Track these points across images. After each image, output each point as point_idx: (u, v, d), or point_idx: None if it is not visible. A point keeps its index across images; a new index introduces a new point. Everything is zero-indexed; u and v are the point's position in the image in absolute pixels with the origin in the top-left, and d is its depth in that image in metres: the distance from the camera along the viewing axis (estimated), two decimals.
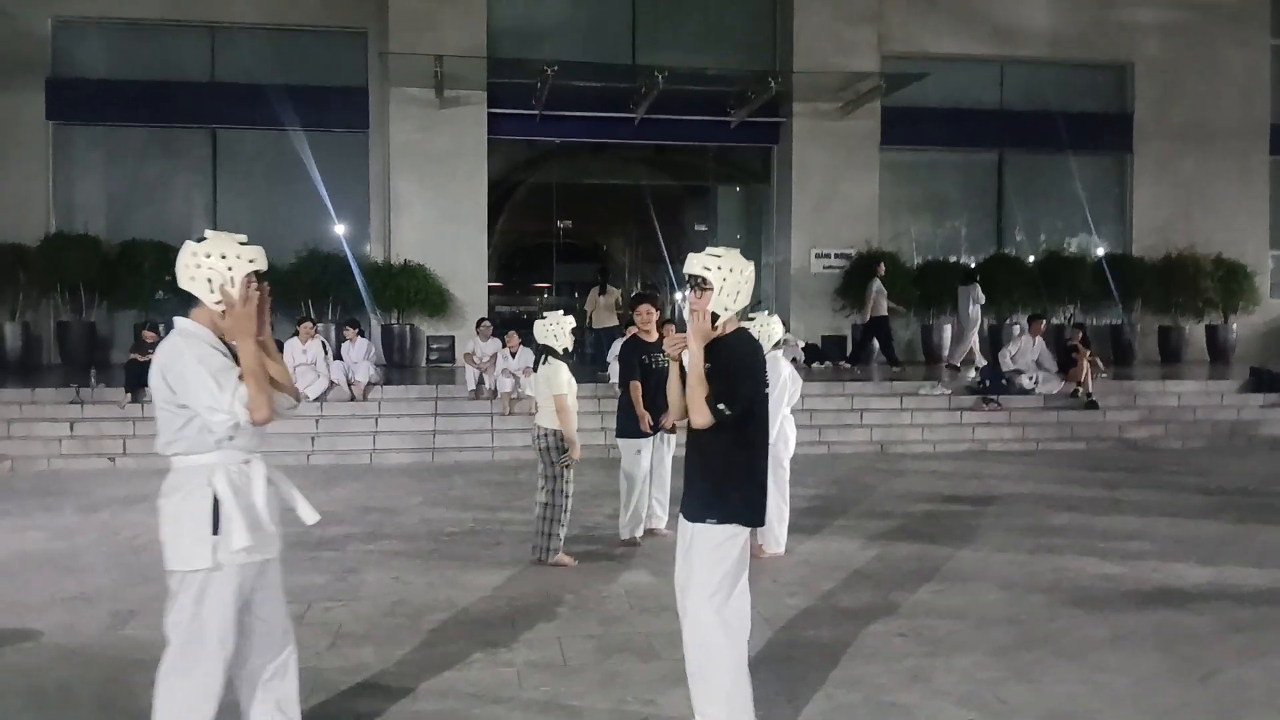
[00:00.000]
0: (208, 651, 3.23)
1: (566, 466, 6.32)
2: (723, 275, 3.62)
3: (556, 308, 6.67)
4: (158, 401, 3.25)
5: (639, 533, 7.05)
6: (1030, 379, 12.85)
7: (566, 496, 6.34)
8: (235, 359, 3.29)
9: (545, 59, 14.47)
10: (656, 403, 6.76)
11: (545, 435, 6.39)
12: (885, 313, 14.89)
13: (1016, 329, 15.30)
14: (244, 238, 3.39)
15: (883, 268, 15.17)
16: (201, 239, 3.35)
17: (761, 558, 6.45)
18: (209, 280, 3.29)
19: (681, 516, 3.73)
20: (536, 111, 15.81)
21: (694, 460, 3.71)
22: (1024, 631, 5.05)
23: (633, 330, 7.87)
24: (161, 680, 3.28)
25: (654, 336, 7.18)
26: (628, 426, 7.04)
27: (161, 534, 3.31)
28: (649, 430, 6.93)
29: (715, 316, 3.64)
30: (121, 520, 7.86)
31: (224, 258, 3.30)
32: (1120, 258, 17.54)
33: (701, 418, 3.55)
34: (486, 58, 15.56)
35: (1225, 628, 5.10)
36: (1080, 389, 12.77)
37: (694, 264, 3.65)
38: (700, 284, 3.63)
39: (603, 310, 14.84)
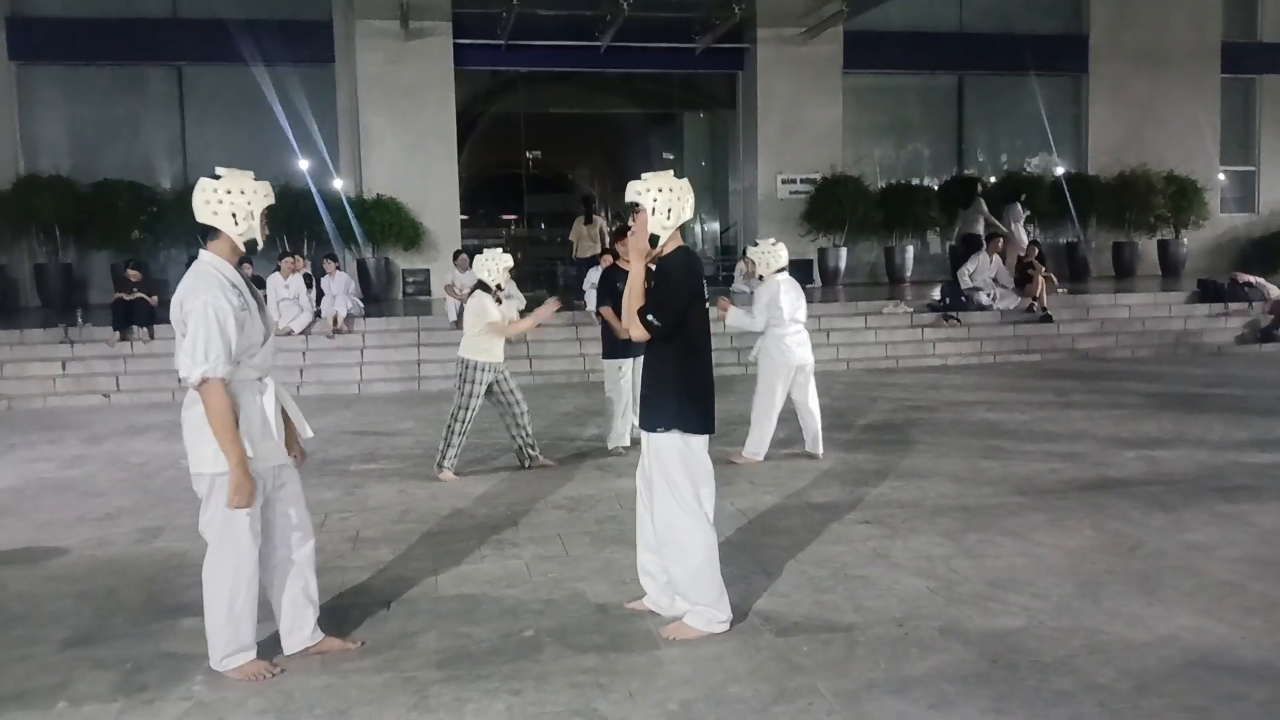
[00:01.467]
0: (241, 543, 3.66)
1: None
2: (652, 197, 3.93)
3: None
4: (176, 328, 3.62)
5: (625, 443, 7.61)
6: (988, 295, 13.43)
7: (461, 423, 6.82)
8: (251, 291, 3.67)
9: None
10: None
11: (460, 363, 6.88)
12: (980, 231, 15.28)
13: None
14: (253, 174, 3.72)
15: (982, 186, 15.83)
16: (217, 176, 3.68)
17: (737, 463, 7.01)
18: (234, 215, 3.63)
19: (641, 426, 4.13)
20: (502, 41, 15.93)
21: (645, 373, 4.10)
22: (972, 517, 5.62)
23: (608, 259, 8.34)
24: (206, 573, 3.73)
25: None
26: (609, 348, 7.61)
27: (185, 442, 3.70)
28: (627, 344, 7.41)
29: (656, 237, 3.96)
30: (128, 449, 8.25)
31: (243, 193, 3.64)
32: (1076, 176, 18.05)
33: (636, 329, 3.93)
34: None
35: (1152, 507, 5.70)
36: (1036, 304, 13.37)
37: (629, 192, 4.00)
38: (635, 209, 3.97)
39: (587, 240, 15.10)
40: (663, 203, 3.93)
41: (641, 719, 3.36)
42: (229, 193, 3.63)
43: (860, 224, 16.63)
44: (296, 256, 12.49)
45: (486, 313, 6.81)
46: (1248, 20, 19.58)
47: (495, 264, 6.92)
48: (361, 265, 15.48)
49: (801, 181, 17.05)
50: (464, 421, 6.84)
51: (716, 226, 20.25)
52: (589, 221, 15.31)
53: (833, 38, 16.90)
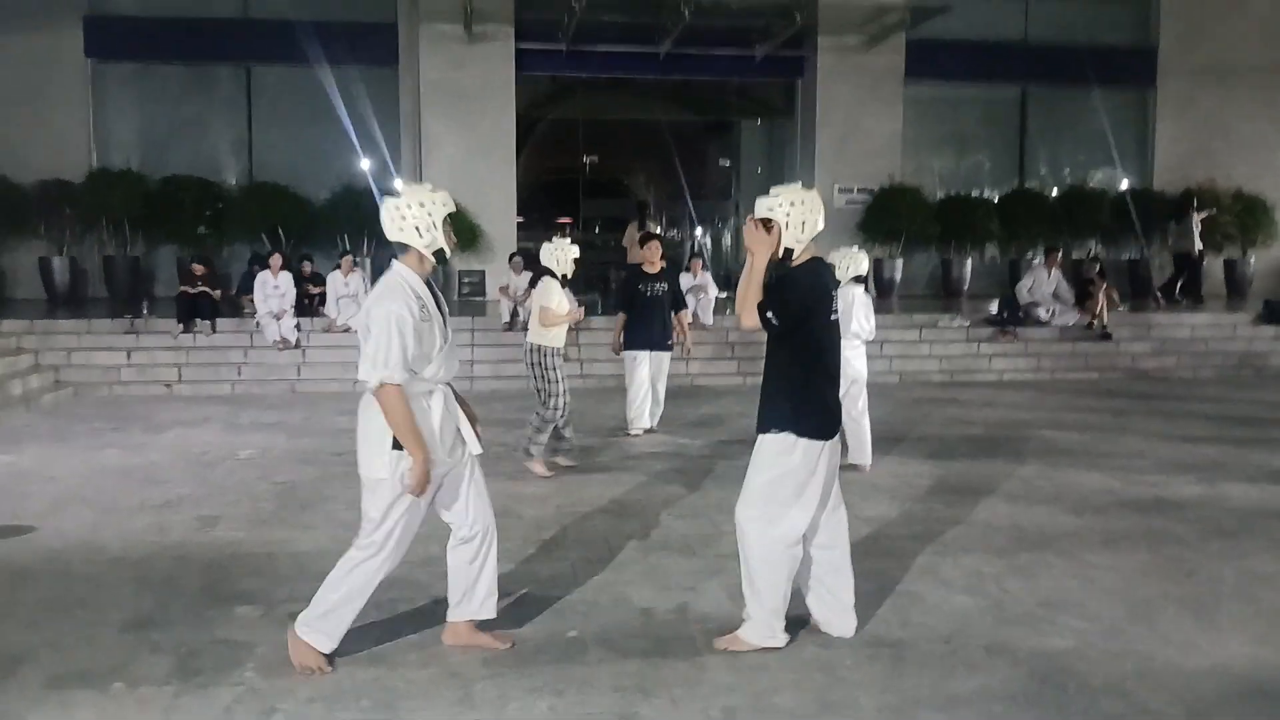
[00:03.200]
0: (391, 539, 3.78)
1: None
2: (785, 211, 3.93)
3: (578, 244, 7.40)
4: (360, 332, 3.76)
5: (645, 423, 8.52)
6: (1046, 311, 13.22)
7: (555, 410, 6.97)
8: (437, 303, 3.81)
9: None
10: (653, 324, 8.53)
11: (531, 350, 7.05)
12: (1197, 248, 15.38)
13: (1035, 262, 15.61)
14: (430, 186, 3.87)
15: (1197, 201, 15.93)
16: (396, 194, 3.82)
17: None
18: (417, 229, 3.76)
19: None
20: (563, 46, 16.04)
21: (764, 378, 4.04)
22: (1025, 535, 5.55)
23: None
24: (355, 549, 3.83)
25: (656, 268, 8.55)
26: (629, 340, 8.56)
27: (358, 443, 3.84)
28: (617, 350, 8.68)
29: (790, 251, 3.95)
30: (190, 439, 8.45)
31: (423, 205, 3.77)
32: (1141, 192, 17.70)
33: (749, 318, 3.92)
34: None
35: (1210, 534, 5.59)
36: (1095, 321, 13.13)
37: (759, 208, 3.99)
38: (767, 225, 3.95)
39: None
40: (795, 216, 3.94)
41: None
42: (410, 208, 3.77)
43: (917, 236, 16.45)
44: (350, 256, 12.68)
45: (549, 296, 6.99)
46: None
47: (563, 253, 7.14)
48: None
49: (859, 192, 16.93)
50: (554, 408, 6.98)
51: None
52: (642, 227, 15.33)
53: (894, 47, 16.76)
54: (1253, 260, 17.62)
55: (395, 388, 3.62)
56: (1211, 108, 17.96)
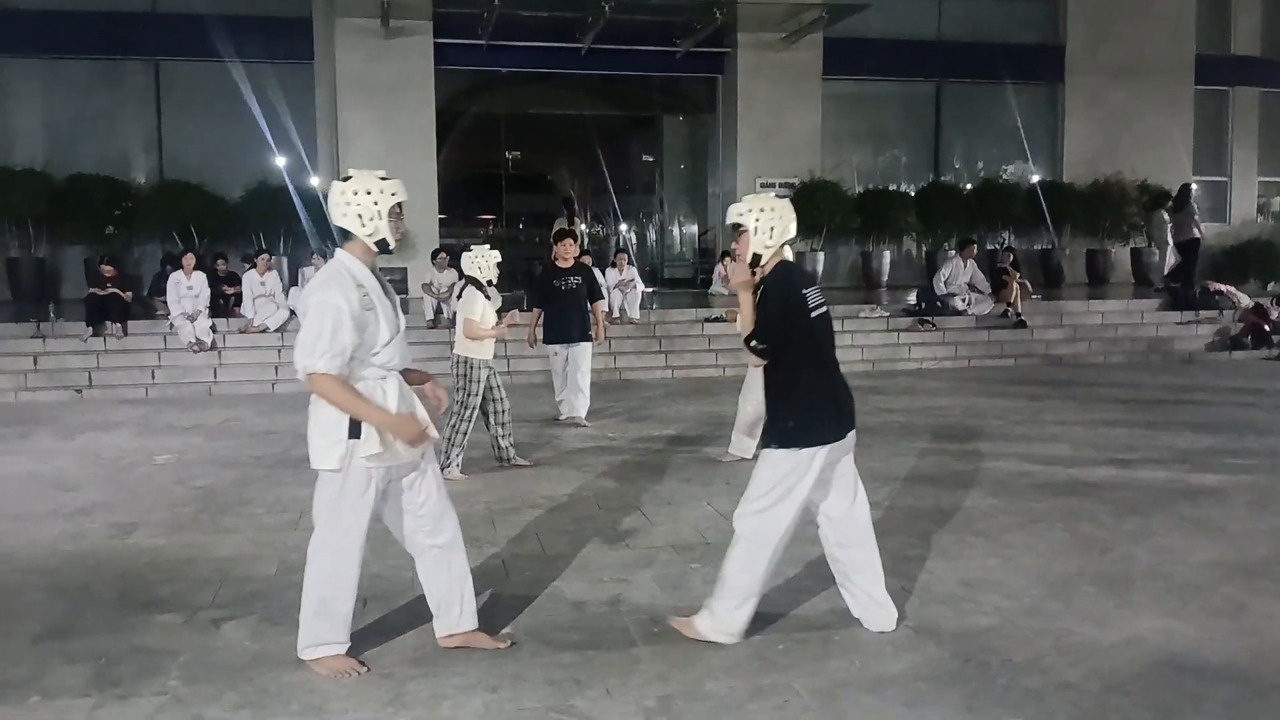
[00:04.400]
0: (345, 536, 3.69)
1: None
2: (754, 217, 3.95)
3: (501, 239, 7.42)
4: (300, 319, 3.65)
5: (564, 413, 8.88)
6: (963, 300, 13.54)
7: (467, 421, 6.87)
8: (385, 291, 3.71)
9: None
10: (567, 319, 8.75)
11: (458, 362, 6.97)
12: (1198, 234, 15.41)
13: (952, 253, 15.98)
14: (383, 173, 3.74)
15: (1196, 190, 16.28)
16: (348, 178, 3.70)
17: (723, 461, 7.13)
18: (360, 216, 3.65)
19: None
20: (483, 41, 15.91)
21: (764, 393, 4.07)
22: (946, 518, 5.69)
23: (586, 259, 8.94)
24: (310, 556, 3.74)
25: (569, 264, 8.81)
26: (546, 335, 8.89)
27: (308, 434, 3.70)
28: (533, 343, 9.02)
29: (758, 257, 3.97)
30: (101, 444, 8.19)
31: (369, 193, 3.65)
32: (1051, 185, 18.22)
33: (748, 355, 4.06)
34: None
35: (1123, 513, 5.78)
36: (1010, 309, 13.50)
37: (730, 215, 4.04)
38: (738, 229, 3.99)
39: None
40: (764, 222, 3.95)
41: (619, 716, 3.38)
42: (355, 194, 3.66)
43: (838, 229, 16.71)
44: (267, 255, 12.41)
45: (470, 307, 6.88)
46: (1221, 34, 19.86)
47: (485, 260, 7.04)
48: None
49: (780, 186, 17.10)
50: (468, 420, 6.88)
51: (695, 229, 20.30)
52: (570, 223, 15.32)
53: (812, 44, 16.98)
54: (1158, 250, 18.26)
55: (325, 376, 3.53)
56: (1118, 104, 18.57)
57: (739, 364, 8.11)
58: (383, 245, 3.71)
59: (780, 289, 3.97)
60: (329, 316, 3.52)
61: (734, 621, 3.96)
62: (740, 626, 3.97)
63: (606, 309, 11.49)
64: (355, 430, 3.58)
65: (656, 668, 3.74)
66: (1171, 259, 15.66)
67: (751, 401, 7.14)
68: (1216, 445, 7.68)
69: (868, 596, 4.12)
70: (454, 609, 3.93)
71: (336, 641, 3.75)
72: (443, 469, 6.74)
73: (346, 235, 3.72)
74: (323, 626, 3.73)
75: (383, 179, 3.69)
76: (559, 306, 8.79)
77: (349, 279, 3.62)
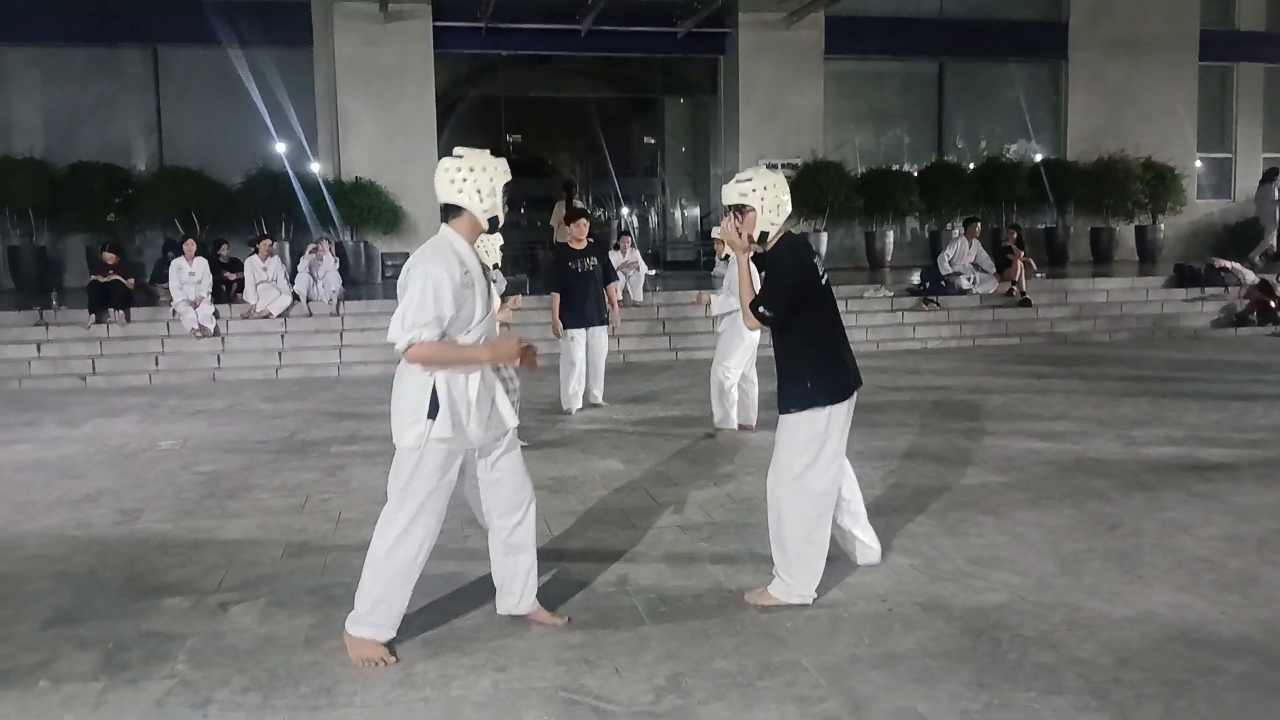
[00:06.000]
0: (417, 514, 3.66)
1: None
2: (760, 196, 4.03)
3: (502, 224, 7.22)
4: (399, 292, 3.62)
5: (577, 405, 8.50)
6: (968, 280, 13.49)
7: None
8: (484, 271, 3.71)
9: None
10: (586, 301, 8.42)
11: None
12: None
13: (956, 233, 15.92)
14: (488, 150, 3.72)
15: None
16: (459, 155, 3.67)
17: (714, 435, 7.36)
18: (479, 192, 3.64)
19: None
20: (483, 24, 15.82)
21: (776, 360, 4.17)
22: (953, 496, 5.67)
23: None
24: (379, 529, 3.72)
25: (583, 245, 8.45)
26: (564, 320, 8.42)
27: (392, 413, 3.70)
28: (559, 334, 8.45)
29: (765, 235, 4.06)
30: (106, 431, 8.18)
31: (485, 170, 3.66)
32: (1055, 163, 18.14)
33: (749, 320, 4.11)
34: None
35: (1131, 489, 5.76)
36: (1015, 288, 13.44)
37: (731, 195, 4.08)
38: (741, 210, 4.05)
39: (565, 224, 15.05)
40: (769, 200, 4.04)
41: (629, 694, 3.37)
42: (472, 170, 3.65)
43: (841, 209, 16.65)
44: (268, 240, 12.37)
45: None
46: (1225, 8, 19.73)
47: (489, 244, 6.93)
48: (340, 249, 15.34)
49: (782, 167, 17.03)
50: None
51: (697, 211, 20.24)
52: (570, 204, 15.24)
53: (814, 23, 16.88)
54: (1163, 226, 18.20)
55: (426, 344, 3.51)
56: (1120, 79, 18.46)
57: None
58: (494, 223, 3.73)
59: (792, 260, 4.08)
60: (431, 288, 3.51)
61: (808, 584, 4.09)
62: (814, 586, 4.10)
63: (620, 294, 11.29)
64: (433, 410, 3.58)
65: (666, 646, 3.73)
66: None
67: (720, 370, 7.38)
68: (1224, 420, 7.65)
69: (860, 536, 4.47)
70: (514, 593, 3.96)
71: (386, 626, 3.72)
72: None
73: (450, 212, 3.69)
74: (382, 609, 3.69)
75: (494, 157, 3.70)
76: (577, 290, 8.40)
77: (453, 254, 3.61)
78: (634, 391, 9.62)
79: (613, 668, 3.56)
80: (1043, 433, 7.33)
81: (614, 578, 4.46)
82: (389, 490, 3.72)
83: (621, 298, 12.43)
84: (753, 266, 4.20)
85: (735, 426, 7.51)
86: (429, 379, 3.60)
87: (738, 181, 4.11)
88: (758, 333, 7.22)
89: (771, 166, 17.22)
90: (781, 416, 4.13)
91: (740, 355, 7.42)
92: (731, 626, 3.89)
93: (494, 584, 4.00)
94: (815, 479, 4.08)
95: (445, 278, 3.53)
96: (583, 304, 8.43)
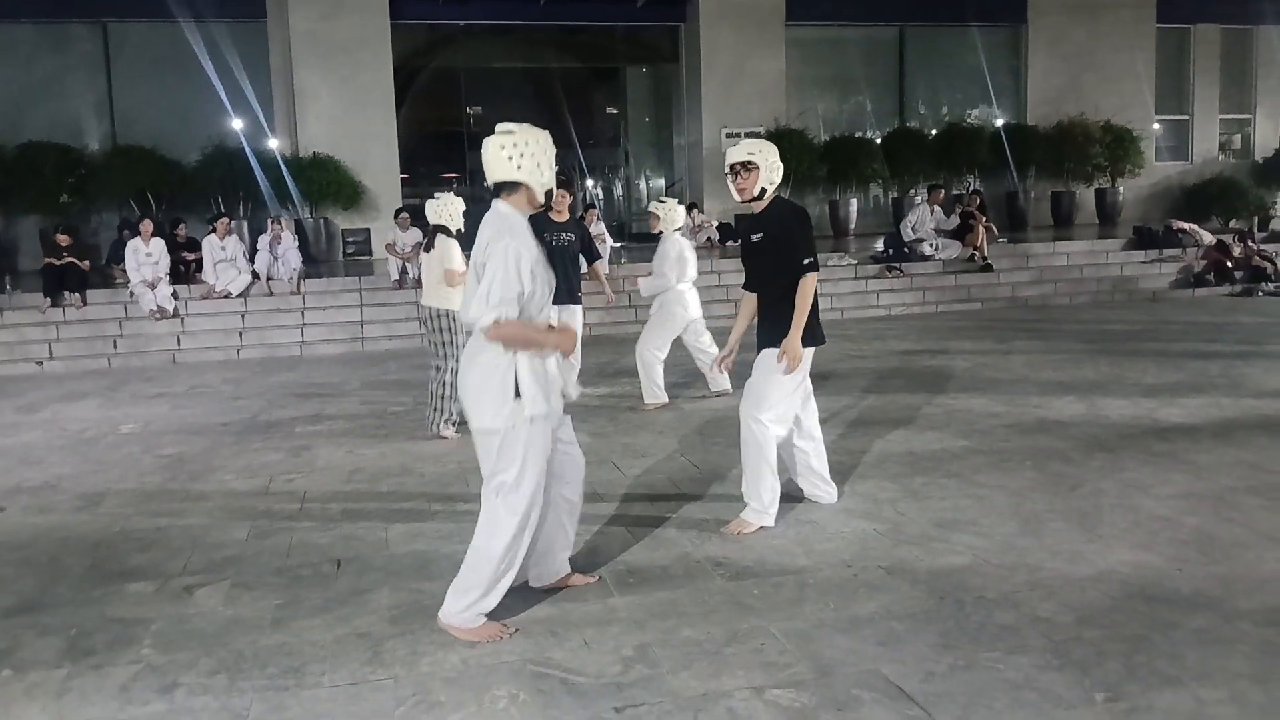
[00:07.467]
0: (535, 491, 3.62)
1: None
2: (764, 157, 4.48)
3: (465, 197, 7.05)
4: (474, 270, 3.55)
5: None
6: (930, 246, 13.56)
7: (454, 374, 6.58)
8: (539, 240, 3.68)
9: None
10: (560, 275, 7.57)
11: (435, 315, 6.72)
12: None
13: (918, 199, 15.99)
14: (529, 124, 3.69)
15: None
16: (509, 131, 3.62)
17: (647, 410, 7.47)
18: (538, 165, 3.61)
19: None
20: None
21: (783, 304, 4.51)
22: (918, 460, 5.72)
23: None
24: (493, 517, 3.62)
25: (564, 217, 7.73)
26: None
27: (469, 399, 3.64)
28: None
29: (764, 191, 4.51)
30: (66, 416, 8.06)
31: (539, 143, 3.63)
32: (1015, 127, 18.24)
33: (807, 289, 4.46)
34: None
35: (1091, 450, 5.84)
36: (976, 253, 13.54)
37: (738, 154, 4.51)
38: (745, 166, 4.48)
39: None
40: (771, 160, 4.49)
41: (597, 666, 3.38)
42: (528, 144, 3.60)
43: (804, 178, 16.67)
44: (226, 219, 12.19)
45: (453, 259, 6.59)
46: None
47: (454, 207, 6.82)
48: (300, 226, 15.17)
49: (745, 135, 16.98)
50: (455, 374, 6.70)
51: (662, 182, 20.17)
52: None
53: None
54: (1122, 189, 18.39)
55: (507, 322, 3.46)
56: (1081, 42, 18.56)
57: (709, 315, 8.18)
58: (549, 196, 3.70)
59: (800, 215, 4.61)
60: (514, 263, 3.47)
61: (773, 509, 4.61)
62: (775, 510, 4.63)
63: (606, 268, 10.92)
64: (519, 389, 3.54)
65: (633, 617, 3.74)
66: None
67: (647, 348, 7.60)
68: (1182, 380, 7.78)
69: (821, 479, 4.92)
70: (565, 548, 4.01)
71: (486, 610, 3.68)
72: (442, 426, 6.70)
73: (504, 188, 3.64)
74: (493, 597, 3.65)
75: (542, 131, 3.67)
76: (551, 264, 8.22)
77: (525, 228, 3.59)
78: (600, 364, 9.61)
79: (580, 640, 3.57)
80: (1004, 396, 7.41)
81: (581, 549, 4.47)
82: (493, 477, 3.63)
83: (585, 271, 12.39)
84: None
85: (665, 400, 7.62)
86: (511, 359, 3.55)
87: (744, 145, 4.50)
88: (686, 313, 7.62)
89: (734, 136, 17.22)
90: (766, 350, 4.56)
91: (667, 336, 7.66)
92: (699, 596, 3.92)
93: (532, 559, 3.92)
94: (789, 411, 4.62)
95: (525, 253, 3.50)
96: (557, 279, 8.22)
